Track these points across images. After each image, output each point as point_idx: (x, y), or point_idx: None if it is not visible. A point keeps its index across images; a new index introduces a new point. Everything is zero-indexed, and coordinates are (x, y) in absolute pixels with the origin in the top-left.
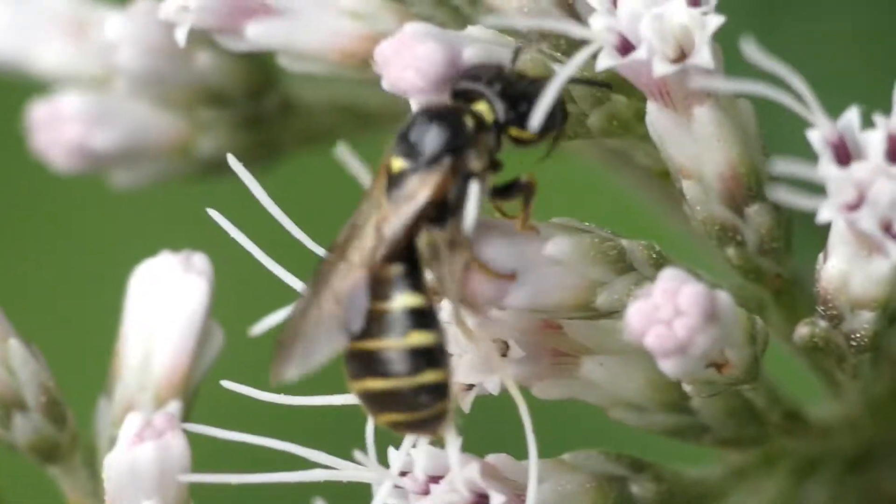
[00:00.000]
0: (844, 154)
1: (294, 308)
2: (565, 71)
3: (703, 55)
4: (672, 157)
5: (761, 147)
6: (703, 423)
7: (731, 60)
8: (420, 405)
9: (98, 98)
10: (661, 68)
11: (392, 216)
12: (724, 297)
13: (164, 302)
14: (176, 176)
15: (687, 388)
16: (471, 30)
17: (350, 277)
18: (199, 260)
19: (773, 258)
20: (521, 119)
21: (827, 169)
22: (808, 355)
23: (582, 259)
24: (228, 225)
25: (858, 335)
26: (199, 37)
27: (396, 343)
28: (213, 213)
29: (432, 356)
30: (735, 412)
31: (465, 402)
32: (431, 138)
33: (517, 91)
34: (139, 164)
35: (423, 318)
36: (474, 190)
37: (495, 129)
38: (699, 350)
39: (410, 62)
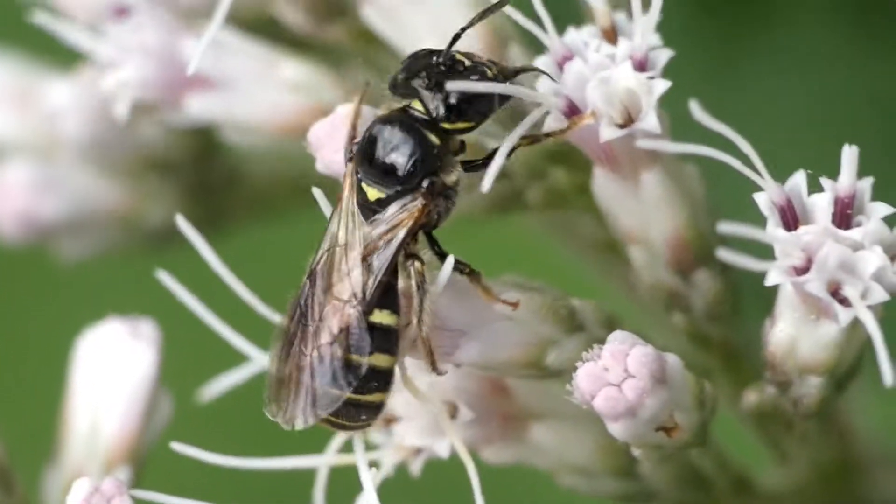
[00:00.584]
0: (792, 217)
1: (282, 344)
2: (514, 134)
3: (650, 120)
4: (619, 224)
5: (708, 212)
6: (652, 489)
7: (679, 124)
8: (356, 418)
9: (44, 167)
10: (608, 133)
11: (380, 249)
12: (673, 360)
13: (112, 369)
14: (123, 245)
15: (636, 452)
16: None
17: (344, 317)
18: (147, 327)
19: (721, 324)
20: (455, 111)
21: (774, 232)
22: (757, 421)
23: (533, 316)
24: (178, 288)
25: (806, 401)
26: (144, 105)
27: (359, 358)
28: (163, 276)
29: (385, 380)
30: (683, 478)
31: (415, 466)
32: (403, 165)
33: (443, 79)
34: (86, 233)
35: (391, 340)
36: (448, 263)
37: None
38: (648, 413)
39: (343, 144)
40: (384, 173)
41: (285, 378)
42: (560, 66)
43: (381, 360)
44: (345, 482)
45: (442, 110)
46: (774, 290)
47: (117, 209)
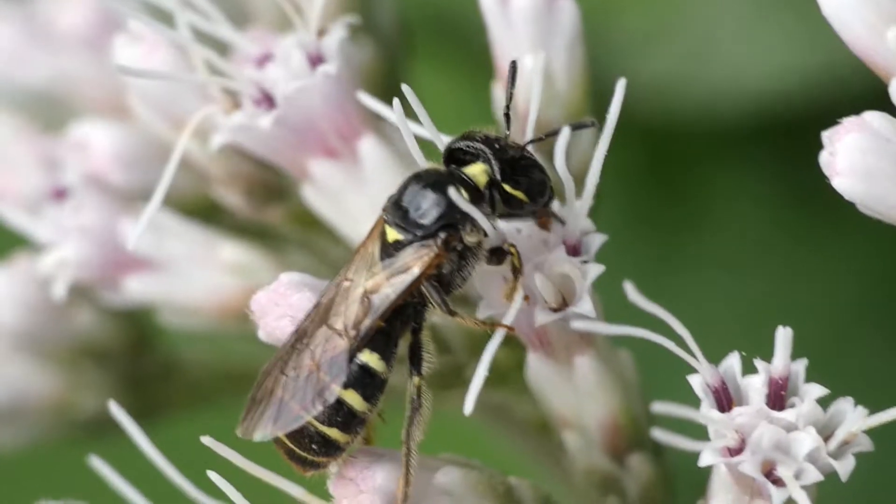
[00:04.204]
0: (726, 399)
1: (270, 365)
2: (483, 364)
3: (585, 304)
4: (553, 408)
5: (642, 396)
6: None
7: (611, 313)
8: (310, 449)
9: None
10: (542, 317)
11: (383, 288)
12: None
13: None
14: (57, 435)
15: None
16: None
17: (332, 345)
18: None
19: None
20: (513, 179)
21: (708, 413)
22: None
23: (471, 491)
24: (111, 474)
25: None
26: (80, 295)
27: (333, 387)
28: (97, 463)
29: (350, 421)
30: None
31: None
32: (425, 212)
33: (509, 154)
34: (19, 422)
35: (369, 384)
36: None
37: (489, 191)
38: None
39: (286, 311)
40: (406, 216)
41: (262, 393)
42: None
43: (353, 399)
44: None
45: (500, 171)
46: (707, 472)
47: (51, 398)
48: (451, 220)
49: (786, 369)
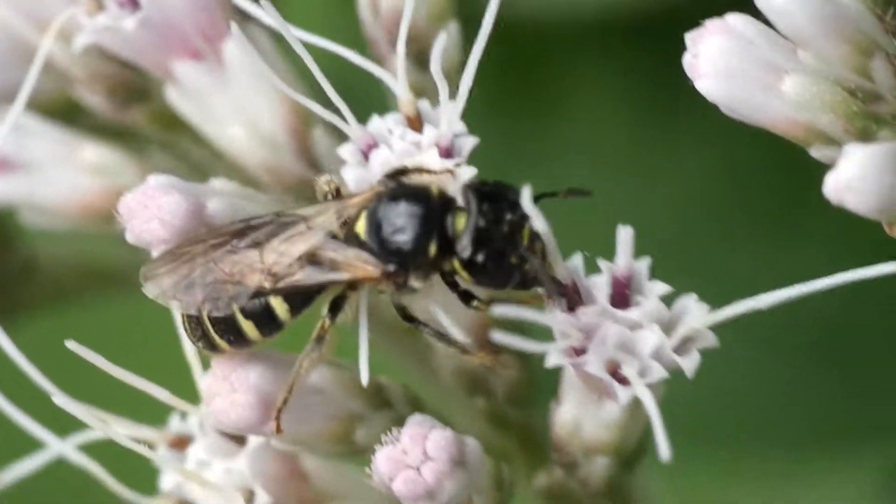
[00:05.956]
0: (578, 298)
1: (210, 233)
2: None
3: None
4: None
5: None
6: None
7: None
8: (197, 344)
9: None
10: None
11: (318, 262)
12: (471, 443)
13: None
14: None
15: None
16: (215, 182)
17: (250, 271)
18: None
19: (520, 407)
20: (472, 265)
21: (551, 313)
22: (549, 503)
23: (342, 390)
24: None
25: (593, 481)
26: None
27: (235, 313)
28: None
29: (239, 342)
30: None
31: None
32: (388, 240)
33: (495, 246)
34: None
35: (268, 323)
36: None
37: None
38: (447, 495)
39: (155, 213)
40: (377, 226)
41: (185, 253)
42: (365, 154)
43: (249, 328)
44: None
45: (466, 253)
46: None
47: None
48: (407, 260)
49: (628, 268)
